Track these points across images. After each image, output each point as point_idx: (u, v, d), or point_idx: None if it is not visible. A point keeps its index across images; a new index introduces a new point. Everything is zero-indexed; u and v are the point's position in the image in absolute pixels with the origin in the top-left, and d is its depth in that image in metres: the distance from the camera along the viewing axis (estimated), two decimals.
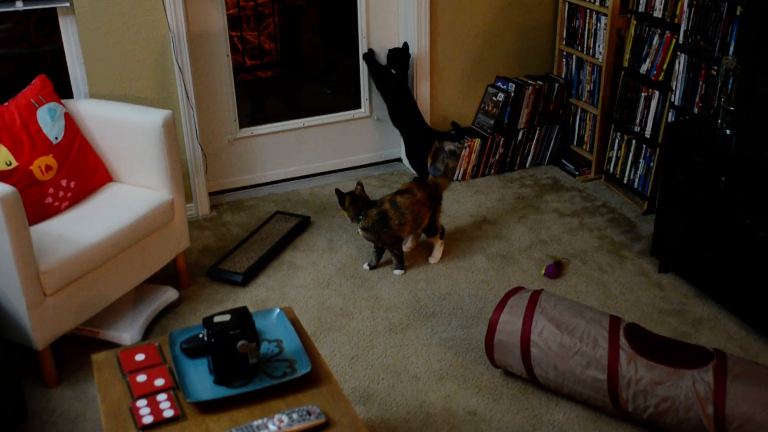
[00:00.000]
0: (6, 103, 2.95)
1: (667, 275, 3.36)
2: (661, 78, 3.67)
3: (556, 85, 4.28)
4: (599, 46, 4.04)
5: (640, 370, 2.41)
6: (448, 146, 3.53)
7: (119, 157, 3.16)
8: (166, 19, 3.52)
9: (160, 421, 1.88)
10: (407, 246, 3.54)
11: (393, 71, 4.04)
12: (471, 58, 4.26)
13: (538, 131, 4.31)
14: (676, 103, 3.54)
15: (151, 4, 3.47)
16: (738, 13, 3.14)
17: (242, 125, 4.07)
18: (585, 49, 4.16)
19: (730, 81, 3.06)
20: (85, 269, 2.71)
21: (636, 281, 3.32)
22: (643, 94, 3.78)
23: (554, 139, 4.38)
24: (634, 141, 3.90)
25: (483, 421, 2.58)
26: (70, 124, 3.07)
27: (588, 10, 4.07)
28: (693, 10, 3.36)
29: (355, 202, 3.29)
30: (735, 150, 2.90)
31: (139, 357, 2.11)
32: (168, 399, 1.95)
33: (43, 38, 3.67)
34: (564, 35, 4.31)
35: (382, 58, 4.15)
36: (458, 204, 3.97)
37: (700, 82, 3.38)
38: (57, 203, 2.96)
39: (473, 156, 4.20)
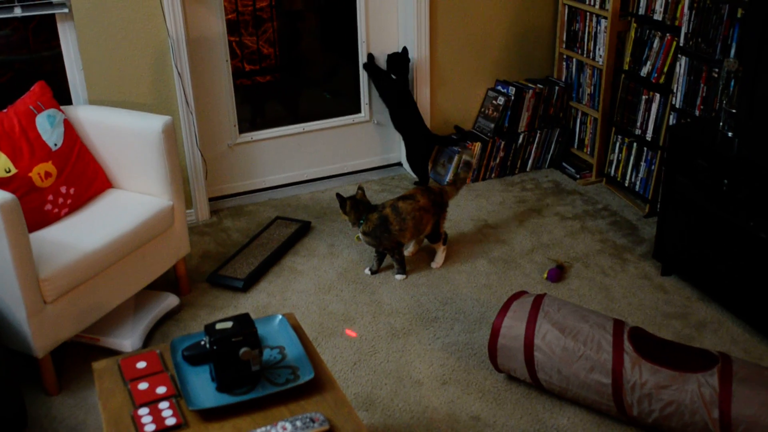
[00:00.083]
0: (5, 110, 2.94)
1: (670, 278, 3.35)
2: (661, 81, 3.66)
3: (557, 88, 4.27)
4: (599, 49, 4.04)
5: (644, 374, 2.39)
6: (466, 157, 3.58)
7: (119, 163, 3.15)
8: (165, 24, 3.51)
9: (163, 429, 1.87)
10: (409, 251, 3.53)
11: (393, 76, 4.03)
12: (471, 61, 4.25)
13: (538, 135, 4.31)
14: (677, 106, 3.53)
15: (150, 9, 3.47)
16: (739, 15, 3.14)
17: (242, 130, 4.06)
18: (585, 52, 4.15)
19: (732, 83, 3.05)
20: (85, 276, 2.70)
21: (638, 284, 3.31)
22: (643, 97, 3.78)
23: (555, 143, 4.37)
24: (635, 144, 3.89)
25: (486, 426, 2.56)
26: (70, 130, 3.06)
27: (588, 13, 4.06)
28: (694, 12, 3.35)
29: (356, 207, 3.28)
30: (737, 152, 2.89)
31: (141, 364, 2.09)
32: (170, 407, 1.94)
33: (41, 44, 3.66)
34: (564, 38, 4.30)
35: (382, 63, 4.14)
36: (459, 208, 3.95)
37: (702, 85, 3.37)
38: (56, 210, 2.95)
39: (474, 160, 4.19)
